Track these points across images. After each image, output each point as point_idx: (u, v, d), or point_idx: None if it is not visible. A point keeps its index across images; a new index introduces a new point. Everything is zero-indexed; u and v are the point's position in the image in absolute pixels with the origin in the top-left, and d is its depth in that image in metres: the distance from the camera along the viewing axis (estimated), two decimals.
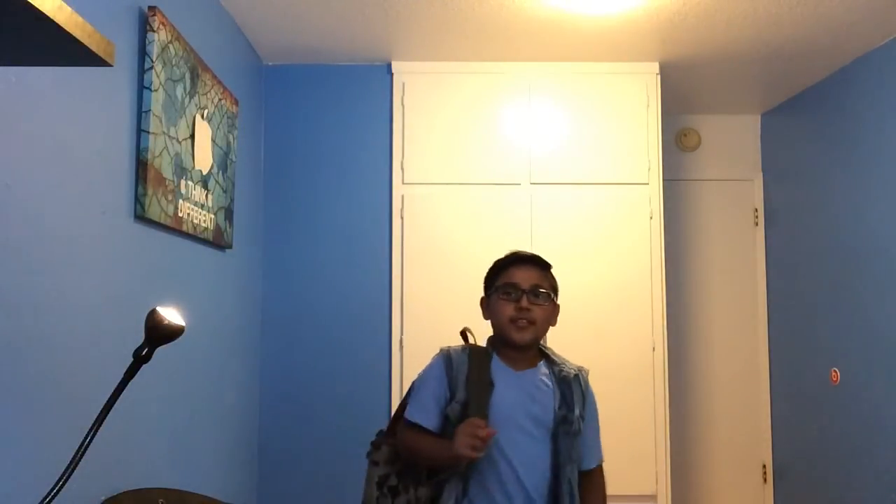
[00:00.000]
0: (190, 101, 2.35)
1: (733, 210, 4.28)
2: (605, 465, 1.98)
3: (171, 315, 1.22)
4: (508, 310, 1.85)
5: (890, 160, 3.11)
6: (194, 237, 2.44)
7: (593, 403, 1.95)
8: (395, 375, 3.35)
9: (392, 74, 3.48)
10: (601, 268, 3.39)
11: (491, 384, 1.82)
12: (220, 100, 2.66)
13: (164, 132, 2.13)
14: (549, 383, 1.88)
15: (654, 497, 3.33)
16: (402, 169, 3.43)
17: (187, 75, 2.33)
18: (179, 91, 2.26)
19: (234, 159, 2.84)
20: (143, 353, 1.19)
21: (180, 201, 2.26)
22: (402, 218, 3.41)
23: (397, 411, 2.00)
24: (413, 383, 1.96)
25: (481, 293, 1.98)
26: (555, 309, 1.92)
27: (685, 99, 4.00)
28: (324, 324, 3.41)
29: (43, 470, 1.41)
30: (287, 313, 3.41)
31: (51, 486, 1.09)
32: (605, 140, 3.46)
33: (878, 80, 3.20)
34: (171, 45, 2.18)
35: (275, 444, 3.36)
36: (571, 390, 1.87)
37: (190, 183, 2.34)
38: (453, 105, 3.46)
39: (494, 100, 3.48)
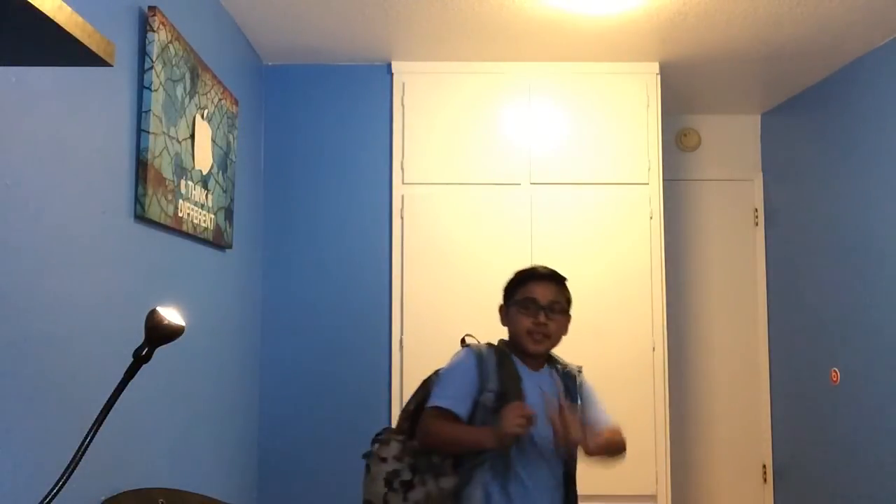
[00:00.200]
0: (190, 101, 2.35)
1: (733, 210, 4.28)
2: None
3: (171, 315, 1.22)
4: (526, 323, 2.01)
5: (890, 160, 3.11)
6: (194, 237, 2.44)
7: (591, 389, 2.13)
8: (395, 375, 3.35)
9: (392, 74, 3.48)
10: (601, 268, 3.39)
11: (519, 377, 1.98)
12: (220, 100, 2.66)
13: (164, 132, 2.13)
14: (555, 379, 2.05)
15: (654, 497, 3.33)
16: (402, 169, 3.43)
17: (187, 75, 2.33)
18: (179, 91, 2.27)
19: (234, 159, 2.84)
20: (143, 353, 1.19)
21: (180, 201, 2.26)
22: (402, 218, 3.41)
23: (409, 406, 2.08)
24: (432, 377, 2.07)
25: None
26: (568, 320, 2.08)
27: (685, 99, 4.00)
28: (324, 324, 3.41)
29: (43, 470, 1.42)
30: (287, 313, 3.41)
31: (51, 486, 1.09)
32: (605, 140, 3.46)
33: (878, 80, 3.20)
34: (171, 45, 2.18)
35: (275, 444, 3.36)
36: (575, 383, 2.07)
37: (190, 183, 2.34)
38: (453, 105, 3.46)
39: (494, 100, 3.48)
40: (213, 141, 2.59)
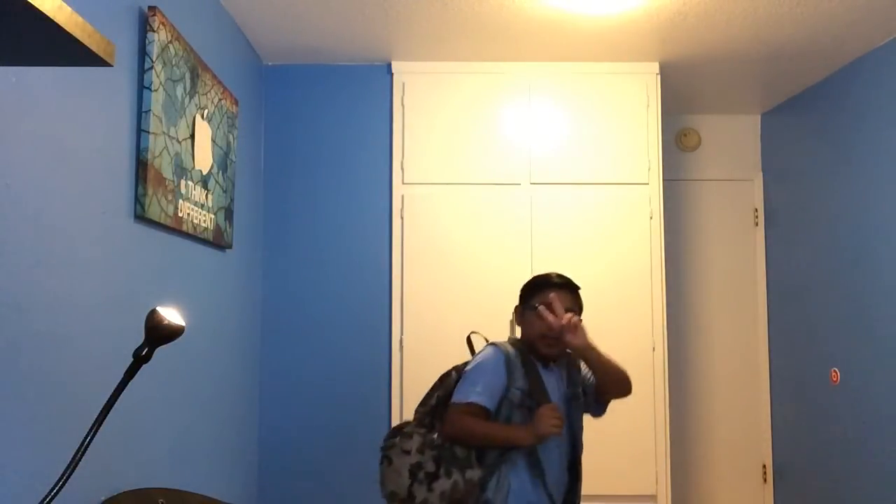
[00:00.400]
0: (190, 101, 2.35)
1: (733, 210, 4.28)
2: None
3: (171, 315, 1.22)
4: (541, 327, 2.12)
5: (889, 160, 3.11)
6: (194, 237, 2.44)
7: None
8: (395, 375, 3.35)
9: (392, 74, 3.48)
10: (601, 268, 3.39)
11: (541, 377, 2.13)
12: (220, 100, 2.66)
13: (164, 132, 2.13)
14: (560, 371, 2.20)
15: (654, 497, 3.33)
16: (402, 169, 3.43)
17: (187, 75, 2.33)
18: (179, 91, 2.26)
19: (234, 159, 2.84)
20: (143, 353, 1.19)
21: (180, 201, 2.26)
22: (402, 218, 3.41)
23: (429, 401, 2.14)
24: (451, 373, 2.18)
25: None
26: None
27: (685, 99, 4.00)
28: (324, 324, 3.41)
29: (43, 470, 1.41)
30: (287, 313, 3.41)
31: (51, 486, 1.09)
32: (605, 140, 3.46)
33: (878, 80, 3.20)
34: (171, 45, 2.18)
35: (275, 443, 3.36)
36: (578, 371, 2.22)
37: (190, 183, 2.34)
38: (453, 105, 3.46)
39: (494, 100, 3.48)
40: (213, 141, 2.59)
